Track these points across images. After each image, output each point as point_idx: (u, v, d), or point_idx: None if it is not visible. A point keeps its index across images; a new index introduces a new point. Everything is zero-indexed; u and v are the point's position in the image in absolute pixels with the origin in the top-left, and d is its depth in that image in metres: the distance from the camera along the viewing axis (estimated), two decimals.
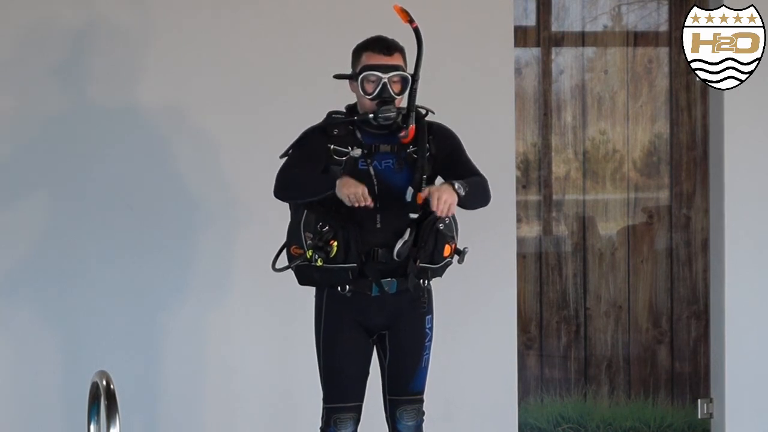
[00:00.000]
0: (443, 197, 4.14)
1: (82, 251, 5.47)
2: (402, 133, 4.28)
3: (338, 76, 4.37)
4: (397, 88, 4.27)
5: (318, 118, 4.41)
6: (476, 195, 4.33)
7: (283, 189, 4.32)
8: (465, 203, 4.28)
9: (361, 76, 4.27)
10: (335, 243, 4.23)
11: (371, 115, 4.26)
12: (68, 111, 5.46)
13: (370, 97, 4.27)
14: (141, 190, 5.51)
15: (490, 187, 4.42)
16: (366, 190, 4.17)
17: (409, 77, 4.28)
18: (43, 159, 5.44)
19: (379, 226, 4.29)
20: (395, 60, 4.27)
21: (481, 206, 4.43)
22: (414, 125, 4.28)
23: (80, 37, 5.45)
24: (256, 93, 5.58)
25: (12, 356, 5.45)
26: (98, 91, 5.47)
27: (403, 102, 4.33)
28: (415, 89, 4.29)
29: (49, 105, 5.44)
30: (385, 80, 4.24)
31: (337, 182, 4.19)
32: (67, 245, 5.46)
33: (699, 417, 6.24)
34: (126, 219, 5.50)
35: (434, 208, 4.15)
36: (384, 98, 4.25)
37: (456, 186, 4.19)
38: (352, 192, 4.15)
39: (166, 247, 5.53)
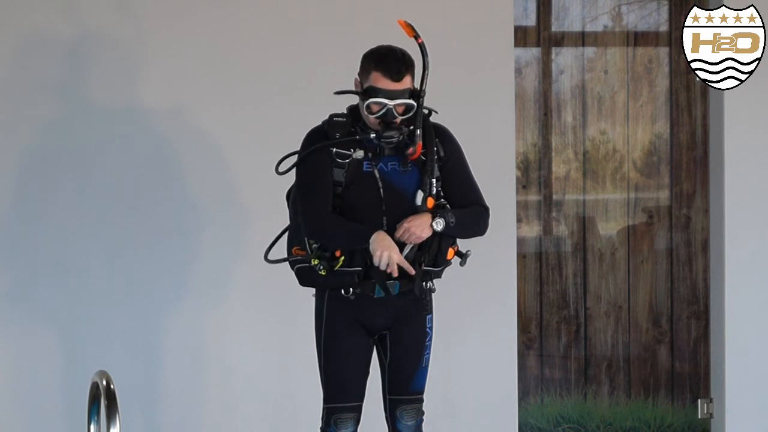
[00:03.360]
0: (411, 229, 4.22)
1: (83, 251, 5.47)
2: (410, 150, 4.27)
3: (340, 92, 4.33)
4: (401, 110, 4.24)
5: (318, 117, 4.40)
6: (466, 228, 4.38)
7: (320, 236, 4.29)
8: (451, 235, 4.34)
9: (367, 101, 4.23)
10: (341, 254, 4.25)
11: (373, 135, 4.25)
12: (68, 112, 5.46)
13: (374, 116, 4.27)
14: (141, 190, 5.51)
15: (489, 218, 4.45)
16: (397, 256, 4.19)
17: (413, 104, 4.24)
18: (44, 160, 5.44)
19: (384, 229, 4.28)
20: (403, 85, 4.23)
21: (473, 236, 4.46)
22: (420, 142, 4.28)
23: (81, 39, 5.45)
24: (256, 93, 5.58)
25: (12, 356, 5.45)
26: (98, 92, 5.47)
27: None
28: (422, 105, 4.28)
29: (49, 106, 5.44)
30: (390, 106, 4.23)
31: (372, 239, 4.20)
32: (68, 245, 5.46)
33: (699, 417, 6.24)
34: (126, 219, 5.50)
35: (397, 234, 4.22)
36: (387, 121, 4.24)
37: (435, 222, 4.24)
38: (385, 256, 4.17)
39: (166, 248, 5.53)
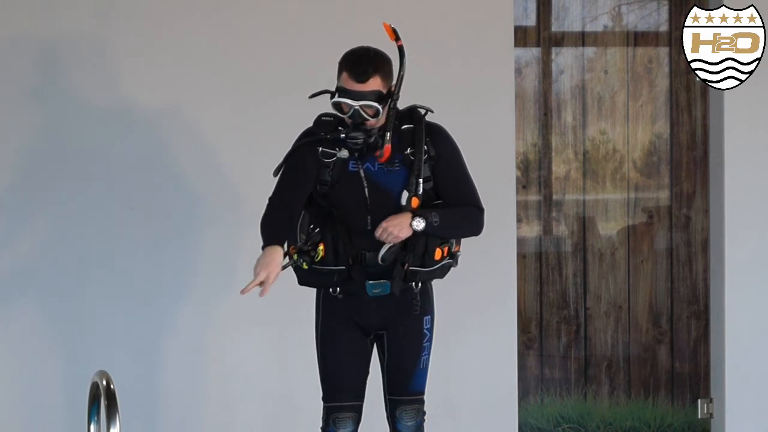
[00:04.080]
0: (389, 229, 4.21)
1: (83, 252, 5.47)
2: (377, 153, 4.27)
3: (314, 95, 4.34)
4: (370, 111, 4.23)
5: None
6: (453, 228, 4.36)
7: (260, 225, 4.39)
8: (437, 235, 4.31)
9: (333, 101, 4.25)
10: (322, 247, 4.25)
11: (342, 135, 4.26)
12: (68, 112, 5.46)
13: (344, 116, 4.26)
14: (141, 190, 5.51)
15: (482, 218, 4.41)
16: (267, 278, 4.18)
17: (379, 108, 4.21)
18: (44, 160, 5.44)
19: (369, 228, 4.29)
20: (370, 86, 4.20)
21: (464, 237, 4.44)
22: (390, 145, 4.25)
23: (81, 39, 5.45)
24: (256, 93, 5.58)
25: (12, 356, 5.45)
26: (98, 92, 5.47)
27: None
28: (394, 108, 4.26)
29: (48, 107, 5.44)
30: (356, 107, 4.23)
31: (261, 253, 4.24)
32: (68, 245, 5.46)
33: (699, 417, 6.24)
34: (126, 219, 5.50)
35: (376, 234, 4.22)
36: (356, 122, 4.23)
37: (416, 222, 4.22)
38: (262, 275, 4.18)
39: (166, 248, 5.53)
